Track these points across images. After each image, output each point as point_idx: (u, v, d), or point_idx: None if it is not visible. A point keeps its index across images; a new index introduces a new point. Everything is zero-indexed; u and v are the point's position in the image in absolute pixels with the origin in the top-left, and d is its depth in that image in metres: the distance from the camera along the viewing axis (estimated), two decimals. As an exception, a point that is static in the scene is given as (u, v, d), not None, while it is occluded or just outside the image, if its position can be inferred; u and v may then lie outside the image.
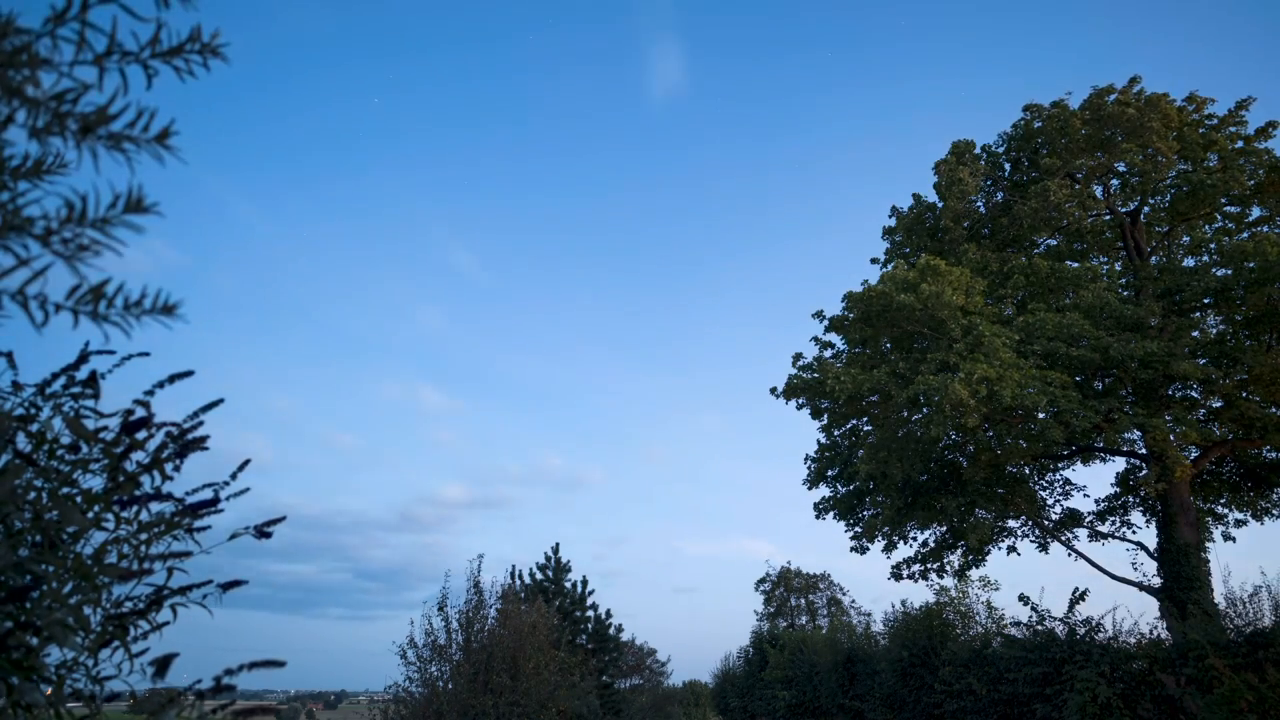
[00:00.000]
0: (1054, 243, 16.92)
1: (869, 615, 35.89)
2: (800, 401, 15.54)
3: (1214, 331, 14.33)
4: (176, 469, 1.95)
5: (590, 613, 20.07)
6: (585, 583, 20.22)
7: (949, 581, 16.55)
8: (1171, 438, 12.84)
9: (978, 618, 15.24)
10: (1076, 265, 15.19)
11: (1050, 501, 16.88)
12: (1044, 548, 16.74)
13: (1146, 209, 15.82)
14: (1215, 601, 12.57)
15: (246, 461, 2.20)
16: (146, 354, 2.04)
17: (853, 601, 38.66)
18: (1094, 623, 12.18)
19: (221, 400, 2.06)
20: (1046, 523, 16.44)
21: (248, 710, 1.60)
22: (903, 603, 16.83)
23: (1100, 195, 15.80)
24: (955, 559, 16.79)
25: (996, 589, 16.27)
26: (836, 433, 17.29)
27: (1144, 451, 14.16)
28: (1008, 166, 16.88)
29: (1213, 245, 14.97)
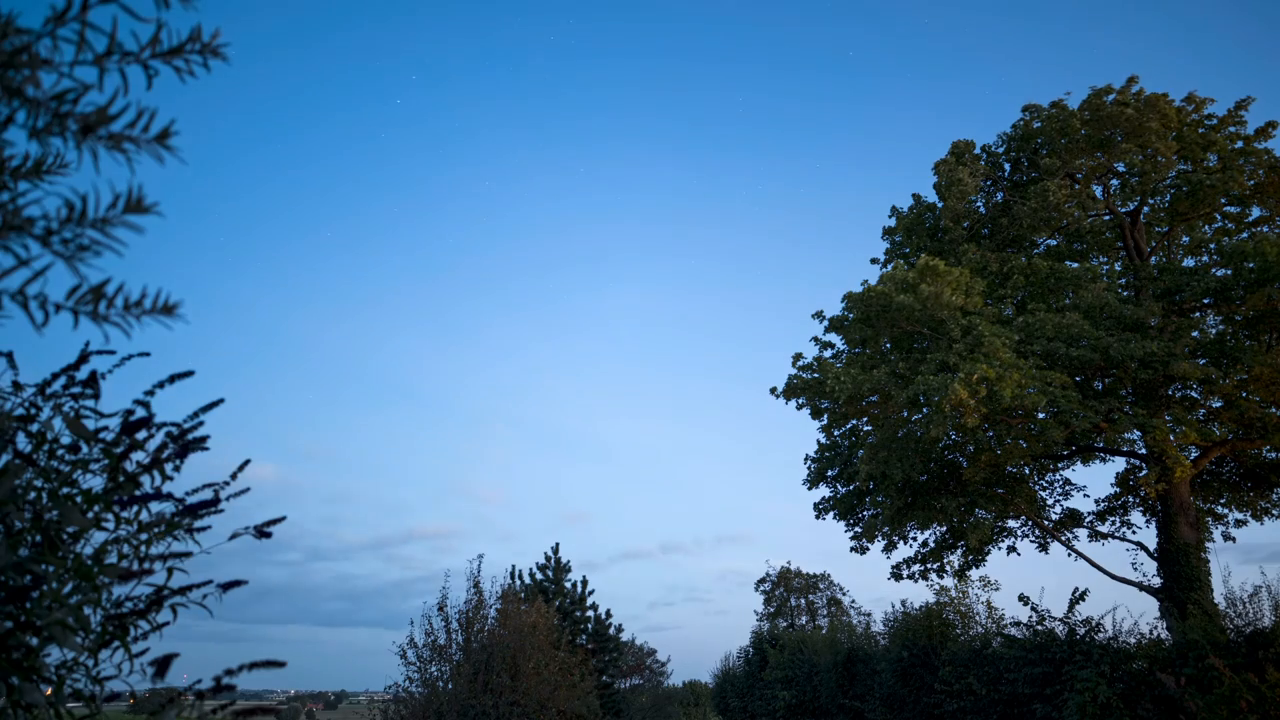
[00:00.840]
0: (1054, 243, 16.92)
1: (869, 615, 35.89)
2: (800, 401, 15.55)
3: (1214, 331, 14.33)
4: (177, 469, 1.95)
5: (590, 613, 20.08)
6: (585, 583, 20.25)
7: (949, 581, 16.57)
8: (1171, 438, 12.84)
9: (978, 618, 15.26)
10: (1076, 265, 15.19)
11: (1050, 501, 16.90)
12: (1044, 548, 16.76)
13: (1146, 209, 15.83)
14: (1215, 601, 12.58)
15: (246, 462, 2.20)
16: (146, 354, 2.04)
17: (853, 602, 38.70)
18: (1094, 623, 12.18)
19: (221, 400, 2.06)
20: (1046, 523, 16.45)
21: (248, 710, 1.60)
22: (903, 603, 16.86)
23: (1100, 195, 15.80)
24: (955, 559, 16.80)
25: (996, 589, 16.29)
26: (836, 433, 17.30)
27: (1144, 451, 14.16)
28: (1007, 167, 16.89)
29: (1212, 245, 14.98)
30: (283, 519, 2.10)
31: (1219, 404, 13.95)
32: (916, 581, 17.07)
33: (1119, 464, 16.52)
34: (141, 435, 1.88)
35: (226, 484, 2.09)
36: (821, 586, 39.08)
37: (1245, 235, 14.94)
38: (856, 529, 17.08)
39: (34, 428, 1.79)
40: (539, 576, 19.76)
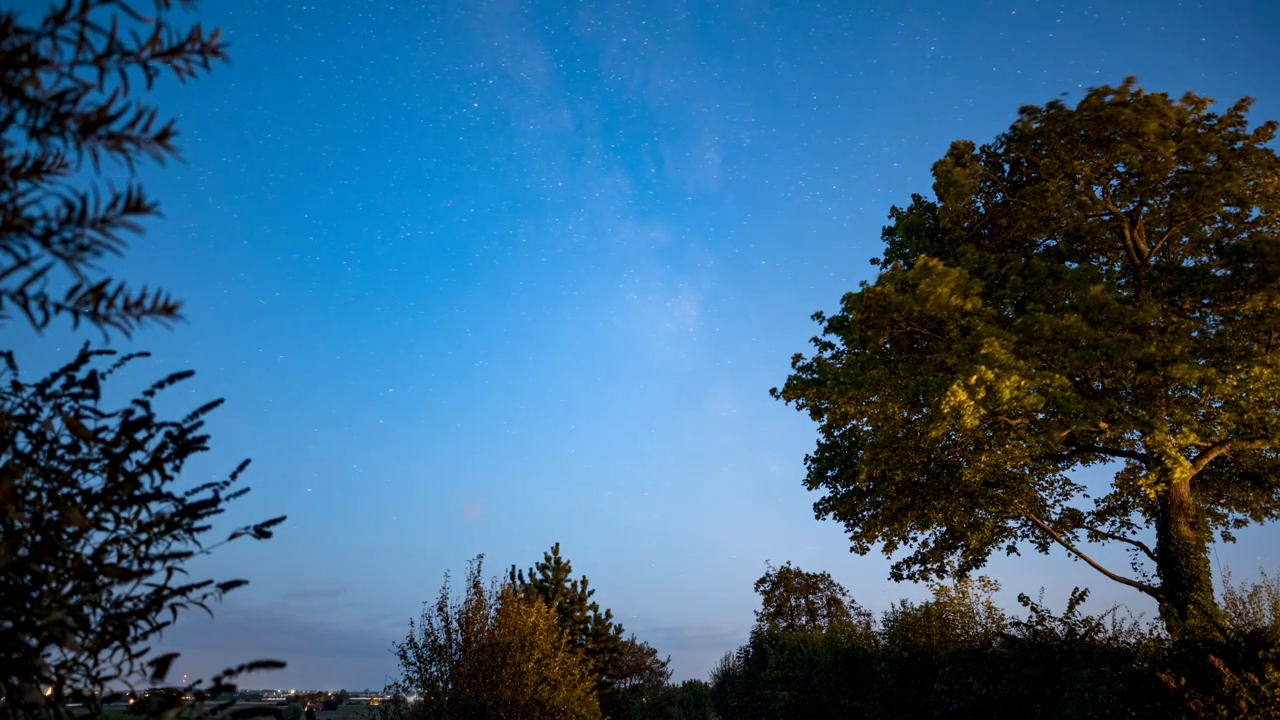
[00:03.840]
0: (1053, 243, 16.93)
1: (869, 615, 35.90)
2: (800, 402, 15.55)
3: (1214, 331, 14.34)
4: (176, 469, 1.95)
5: (590, 613, 20.07)
6: (585, 583, 20.23)
7: (949, 581, 16.58)
8: (1171, 438, 12.85)
9: (977, 618, 15.25)
10: (1076, 266, 15.19)
11: (1050, 502, 16.90)
12: (1044, 548, 16.76)
13: (1146, 209, 15.83)
14: (1215, 601, 12.58)
15: (246, 461, 2.20)
16: (146, 354, 2.04)
17: (852, 601, 38.70)
18: (1094, 623, 12.18)
19: (221, 400, 2.06)
20: (1046, 523, 16.45)
21: (248, 710, 1.60)
22: (902, 603, 16.85)
23: (1099, 195, 15.81)
24: (955, 559, 16.80)
25: (996, 589, 16.28)
26: (836, 433, 17.31)
27: (1144, 451, 14.16)
28: (1006, 167, 16.89)
29: (1213, 245, 14.97)
30: (283, 518, 2.10)
31: (1219, 404, 13.95)
32: (916, 581, 17.10)
33: (1119, 464, 16.57)
34: (141, 435, 1.88)
35: (226, 484, 2.09)
36: (821, 587, 39.08)
37: (1245, 235, 14.94)
38: (856, 529, 17.09)
39: (34, 428, 1.79)
40: (539, 576, 19.76)
